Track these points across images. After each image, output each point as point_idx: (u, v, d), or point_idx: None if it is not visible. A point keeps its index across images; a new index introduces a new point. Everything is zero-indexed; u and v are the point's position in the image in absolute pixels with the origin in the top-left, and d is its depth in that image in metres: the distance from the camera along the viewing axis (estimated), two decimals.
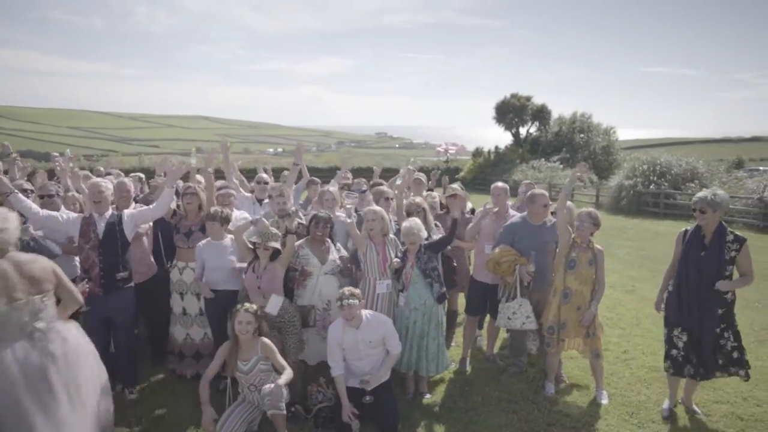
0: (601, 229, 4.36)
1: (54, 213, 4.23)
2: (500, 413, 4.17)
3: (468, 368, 4.99)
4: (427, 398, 4.41)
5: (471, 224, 5.02)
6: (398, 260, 4.31)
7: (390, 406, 3.95)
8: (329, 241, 4.46)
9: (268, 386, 3.61)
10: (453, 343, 5.53)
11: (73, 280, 4.29)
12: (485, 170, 28.47)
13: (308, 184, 6.12)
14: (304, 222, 4.60)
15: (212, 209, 4.43)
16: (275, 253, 4.09)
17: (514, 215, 4.89)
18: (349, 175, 6.52)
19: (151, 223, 4.76)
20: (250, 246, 4.14)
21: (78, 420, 2.88)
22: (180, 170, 4.48)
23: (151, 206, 4.43)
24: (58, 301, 3.06)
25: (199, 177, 5.24)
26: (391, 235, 4.51)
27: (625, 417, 4.15)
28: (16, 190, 3.97)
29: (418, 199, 4.92)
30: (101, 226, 4.11)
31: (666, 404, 4.21)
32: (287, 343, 4.05)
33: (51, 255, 3.91)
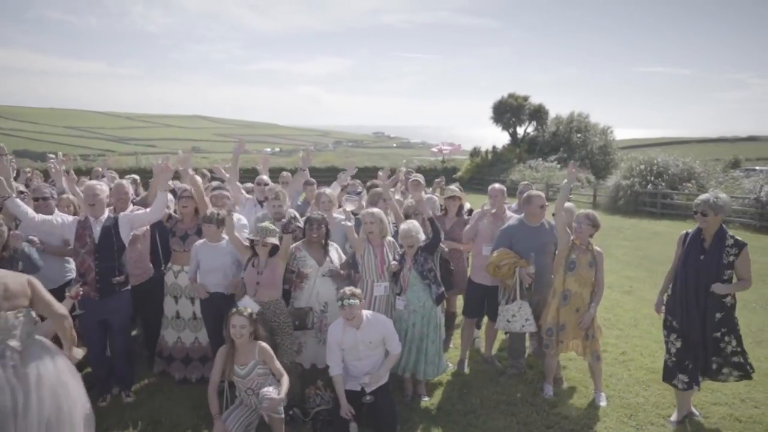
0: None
1: (48, 217, 4.20)
2: (499, 416, 4.16)
3: (466, 370, 4.98)
4: (426, 400, 4.40)
5: (468, 226, 5.00)
6: (396, 263, 4.30)
7: (388, 409, 3.94)
8: (330, 243, 4.46)
9: (267, 389, 3.58)
10: (451, 345, 5.52)
11: (67, 284, 4.26)
12: (483, 170, 28.47)
13: (304, 186, 6.10)
14: (300, 225, 4.59)
15: (208, 211, 4.41)
16: (274, 249, 4.10)
17: (512, 216, 4.88)
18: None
19: (148, 226, 4.72)
20: (247, 244, 4.16)
21: None
22: (167, 172, 4.27)
23: (147, 210, 4.38)
24: (43, 319, 2.91)
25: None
26: (389, 238, 4.50)
27: (623, 419, 4.15)
28: (13, 194, 3.95)
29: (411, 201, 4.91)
30: (97, 230, 4.07)
31: (674, 416, 4.09)
32: (282, 344, 4.04)
33: (34, 268, 3.86)
